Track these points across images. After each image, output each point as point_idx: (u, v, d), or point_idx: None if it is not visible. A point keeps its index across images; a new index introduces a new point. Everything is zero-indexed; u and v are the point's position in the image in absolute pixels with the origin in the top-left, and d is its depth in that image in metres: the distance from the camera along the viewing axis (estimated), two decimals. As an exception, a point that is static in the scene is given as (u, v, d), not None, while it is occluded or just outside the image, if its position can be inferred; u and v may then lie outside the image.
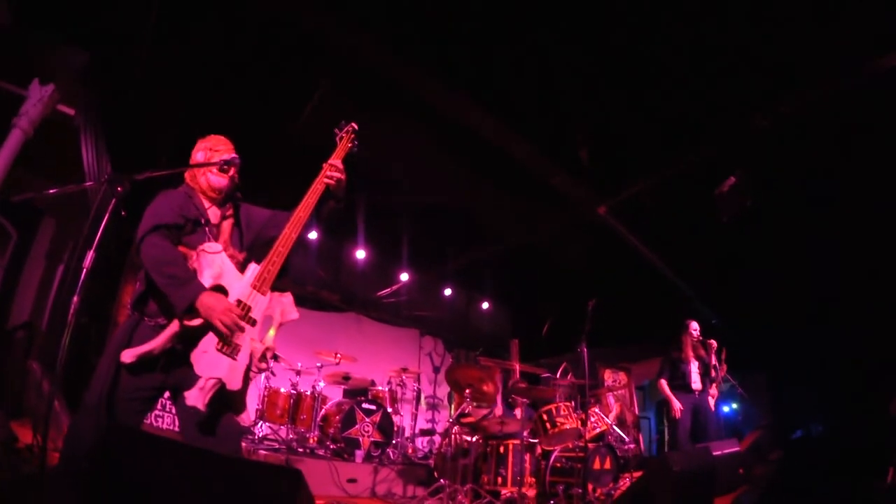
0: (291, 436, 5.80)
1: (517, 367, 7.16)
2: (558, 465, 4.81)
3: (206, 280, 2.23)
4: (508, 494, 4.78)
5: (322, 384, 6.16)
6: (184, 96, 4.86)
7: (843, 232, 6.88)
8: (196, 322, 2.16)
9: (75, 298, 2.22)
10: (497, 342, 9.57)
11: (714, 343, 6.06)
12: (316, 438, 5.71)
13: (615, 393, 8.11)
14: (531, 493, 4.87)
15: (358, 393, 6.49)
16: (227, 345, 2.18)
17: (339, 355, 6.24)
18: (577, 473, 4.62)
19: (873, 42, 4.41)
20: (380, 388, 6.52)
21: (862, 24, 4.32)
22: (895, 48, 4.38)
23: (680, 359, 6.00)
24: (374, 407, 5.73)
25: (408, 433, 6.95)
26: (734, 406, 10.22)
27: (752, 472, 5.34)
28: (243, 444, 5.30)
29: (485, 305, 9.86)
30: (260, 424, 6.03)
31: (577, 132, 5.59)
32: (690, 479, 3.64)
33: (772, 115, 5.18)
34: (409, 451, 6.40)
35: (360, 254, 8.09)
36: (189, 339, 2.18)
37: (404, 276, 8.56)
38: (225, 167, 2.49)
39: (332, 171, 2.63)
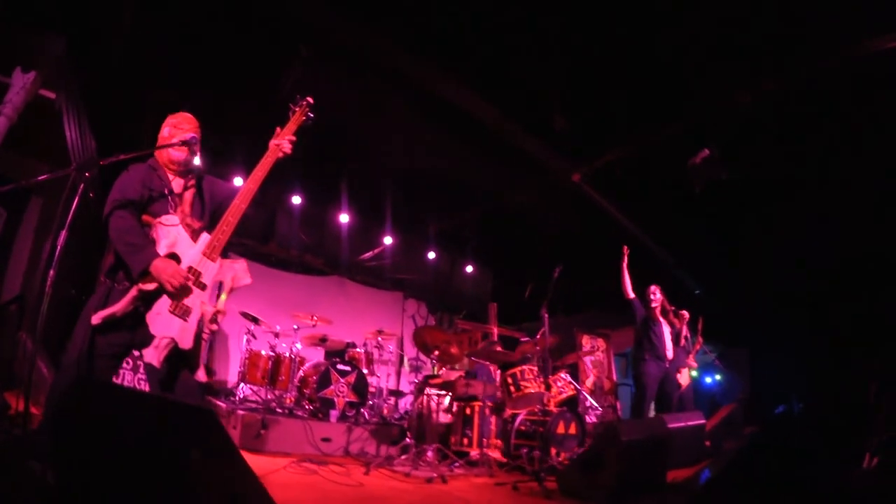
0: (270, 396, 6.15)
1: (495, 330, 7.48)
2: (523, 428, 5.09)
3: (162, 249, 2.50)
4: (474, 455, 5.07)
5: (299, 346, 6.50)
6: (163, 69, 5.06)
7: (830, 210, 7.08)
8: (151, 286, 2.43)
9: (52, 272, 2.48)
10: (481, 305, 9.89)
11: (686, 314, 6.26)
12: (293, 399, 6.06)
13: (593, 359, 8.44)
14: (496, 454, 5.18)
15: (336, 354, 6.83)
16: (178, 306, 2.45)
17: (315, 318, 6.55)
18: (541, 437, 4.89)
19: (859, 24, 4.55)
20: (357, 349, 6.83)
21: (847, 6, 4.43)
22: (881, 31, 4.54)
23: (652, 320, 6.17)
24: (349, 368, 6.04)
25: (386, 394, 7.30)
26: (716, 378, 10.62)
27: (719, 445, 5.58)
28: (223, 405, 5.71)
29: (468, 269, 10.12)
30: (241, 386, 6.38)
31: (551, 99, 5.73)
32: (640, 448, 3.82)
33: (755, 91, 5.32)
34: (385, 411, 6.74)
35: (344, 218, 8.33)
36: (147, 301, 2.45)
37: (388, 240, 8.80)
38: (186, 143, 2.72)
39: (285, 143, 2.85)
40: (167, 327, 2.44)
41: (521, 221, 8.63)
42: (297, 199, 7.96)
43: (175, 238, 2.53)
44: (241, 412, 5.23)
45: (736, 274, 8.71)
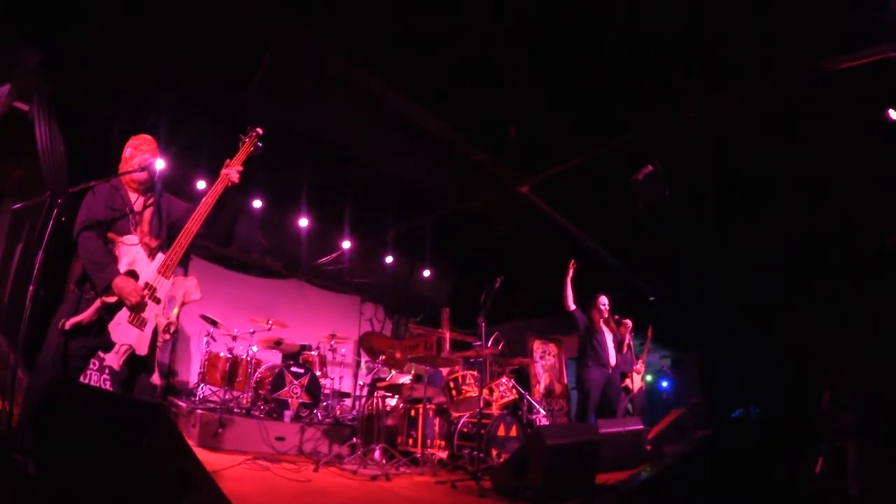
0: (228, 396, 6.56)
1: (447, 334, 7.97)
2: (465, 430, 5.57)
3: (123, 266, 2.95)
4: (419, 455, 5.51)
5: (255, 349, 6.92)
6: (134, 79, 5.44)
7: (786, 217, 7.64)
8: (112, 299, 2.88)
9: (31, 287, 2.90)
10: (438, 309, 10.28)
11: (629, 322, 6.78)
12: (250, 399, 6.47)
13: (544, 363, 9.00)
14: (440, 454, 5.66)
15: (293, 357, 7.26)
16: (136, 318, 2.89)
17: (270, 321, 6.98)
18: (481, 439, 5.30)
19: (810, 42, 4.88)
20: (312, 352, 7.28)
21: (797, 23, 4.76)
22: (834, 50, 4.88)
23: (594, 329, 6.65)
24: (302, 370, 6.48)
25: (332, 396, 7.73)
26: (666, 383, 11.27)
27: (660, 450, 6.03)
28: (183, 404, 6.12)
29: (426, 273, 10.53)
30: (201, 386, 6.77)
31: (502, 112, 6.12)
32: (565, 452, 4.17)
33: (702, 109, 5.65)
34: (339, 412, 7.19)
35: (303, 222, 8.70)
36: (110, 312, 2.89)
37: (346, 244, 9.22)
38: (141, 170, 3.16)
39: (233, 173, 3.30)
40: (126, 335, 2.88)
41: (478, 227, 9.03)
42: (257, 203, 8.32)
43: (134, 257, 2.97)
44: (199, 412, 5.65)
45: (691, 280, 9.27)
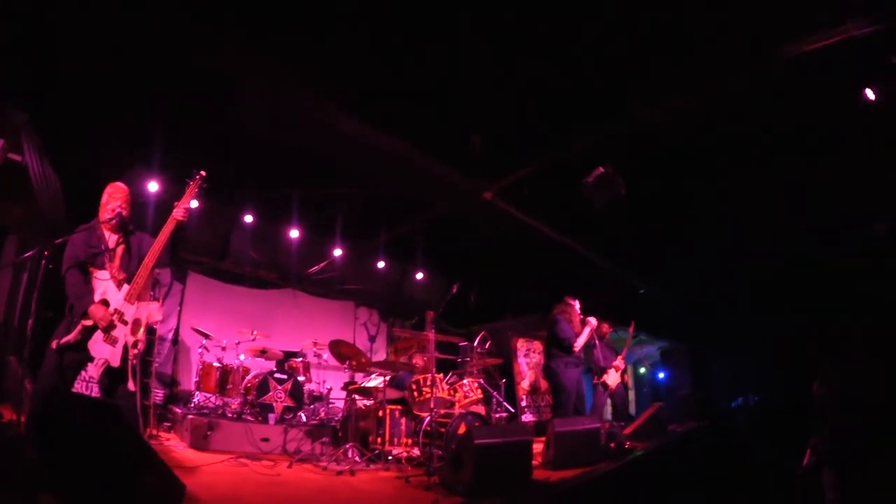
0: (220, 402, 7.62)
1: (432, 336, 8.86)
2: (429, 429, 6.40)
3: (97, 296, 3.99)
4: (383, 451, 6.40)
5: (243, 357, 7.99)
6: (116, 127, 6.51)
7: (775, 208, 8.24)
8: (89, 322, 3.90)
9: (31, 321, 3.94)
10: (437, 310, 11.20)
11: (592, 321, 7.56)
12: (238, 404, 7.52)
13: (529, 361, 9.88)
14: (405, 452, 6.56)
15: (281, 364, 8.32)
16: (108, 337, 3.91)
17: (255, 332, 8.04)
18: (442, 437, 6.16)
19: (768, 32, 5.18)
20: (298, 359, 8.34)
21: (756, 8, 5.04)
22: (789, 37, 5.16)
23: (574, 333, 7.45)
24: (285, 376, 7.51)
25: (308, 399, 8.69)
26: (663, 374, 12.00)
27: (622, 447, 6.64)
28: (179, 410, 7.18)
29: (419, 276, 11.43)
30: (197, 394, 7.84)
31: (461, 120, 6.84)
32: (494, 451, 4.82)
33: (659, 107, 6.13)
34: (323, 413, 8.19)
35: (294, 233, 9.70)
36: (89, 333, 3.91)
37: (337, 252, 10.20)
38: (110, 219, 4.17)
39: (182, 213, 4.27)
40: (101, 351, 3.90)
41: (464, 231, 9.83)
42: (249, 218, 9.36)
43: (105, 289, 4.01)
44: (190, 417, 6.69)
45: (681, 271, 9.94)
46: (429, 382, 6.58)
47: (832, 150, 6.73)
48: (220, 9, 5.51)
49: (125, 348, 3.98)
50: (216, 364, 7.95)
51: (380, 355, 11.22)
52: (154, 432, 6.54)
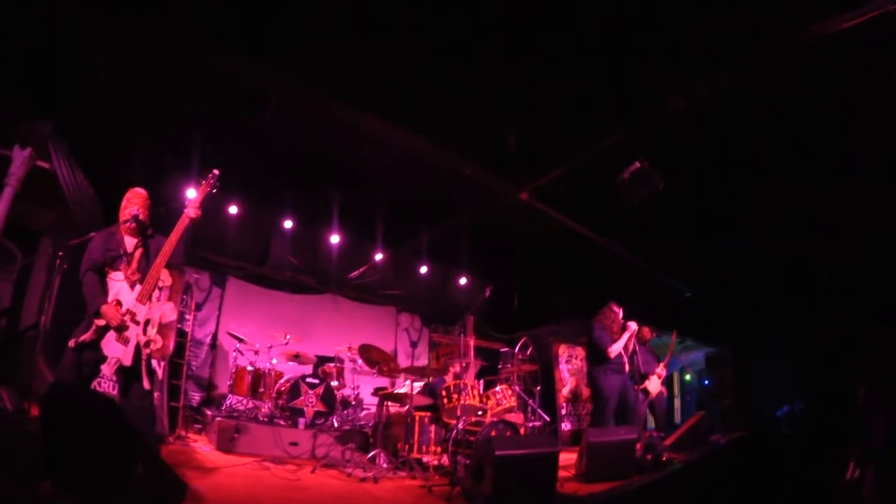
0: (251, 406, 7.81)
1: (472, 342, 8.88)
2: (458, 437, 6.39)
3: (111, 297, 4.14)
4: (408, 459, 6.40)
5: (275, 361, 8.15)
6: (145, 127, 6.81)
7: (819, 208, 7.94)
8: (103, 322, 4.05)
9: (43, 318, 4.14)
10: (478, 316, 11.09)
11: (631, 325, 7.35)
12: (269, 408, 7.67)
13: (570, 367, 9.72)
14: (434, 460, 6.57)
15: (315, 368, 8.49)
16: (121, 336, 4.06)
17: (287, 336, 8.19)
18: (472, 445, 6.04)
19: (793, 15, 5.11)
20: (331, 364, 8.47)
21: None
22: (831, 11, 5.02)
23: (611, 339, 7.32)
24: (317, 381, 7.65)
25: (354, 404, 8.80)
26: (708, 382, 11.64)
27: (660, 459, 6.45)
28: (210, 413, 7.39)
29: (462, 280, 11.48)
30: (229, 397, 8.06)
31: (493, 121, 6.87)
32: (515, 462, 4.74)
33: (687, 95, 6.01)
34: (356, 419, 8.26)
35: (335, 238, 9.90)
36: (103, 333, 4.07)
37: (378, 257, 10.34)
38: (126, 222, 4.34)
39: (192, 211, 4.41)
40: (114, 350, 4.05)
41: (507, 234, 9.81)
42: (288, 224, 9.60)
43: (118, 290, 4.16)
44: (218, 419, 6.87)
45: (723, 275, 9.65)
46: (459, 389, 6.55)
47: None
48: (254, 17, 5.76)
49: (137, 347, 4.12)
50: (249, 368, 8.14)
51: (421, 361, 11.31)
52: (183, 433, 6.74)
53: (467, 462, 5.91)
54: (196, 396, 8.71)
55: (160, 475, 3.46)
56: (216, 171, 4.66)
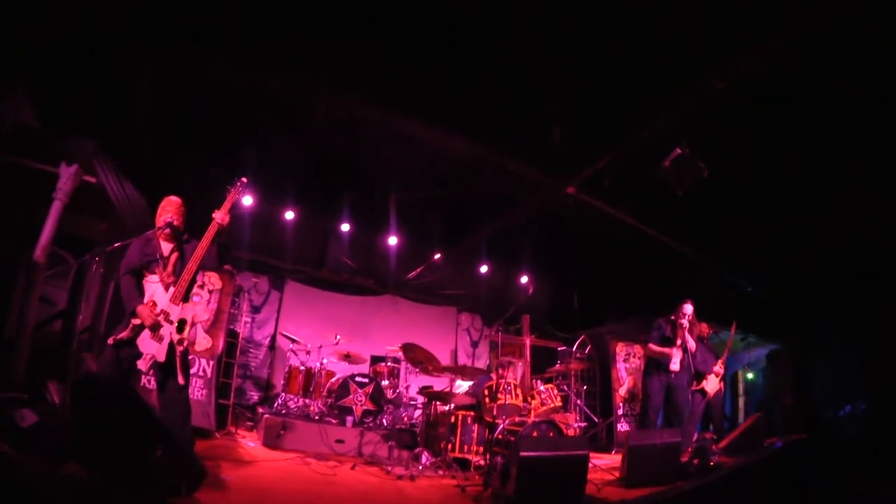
0: (301, 404, 8.22)
1: (528, 341, 9.00)
2: (500, 436, 6.54)
3: (146, 298, 4.56)
4: (446, 457, 6.59)
5: (325, 360, 8.54)
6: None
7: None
8: (138, 321, 4.48)
9: (80, 317, 4.60)
10: (538, 315, 11.19)
11: (683, 323, 7.17)
12: (318, 406, 8.06)
13: (628, 366, 9.65)
14: (475, 459, 6.77)
15: (372, 366, 8.93)
16: (155, 335, 4.47)
17: (338, 336, 8.57)
18: (509, 445, 6.18)
19: None
20: (382, 364, 8.84)
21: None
22: None
23: (672, 338, 7.26)
24: (366, 380, 7.99)
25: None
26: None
27: (707, 463, 6.26)
28: (261, 410, 7.85)
29: (523, 279, 11.45)
30: (282, 395, 8.50)
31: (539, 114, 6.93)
32: (540, 464, 4.77)
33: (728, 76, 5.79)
34: (406, 418, 8.51)
35: (392, 240, 10.20)
36: (139, 331, 4.50)
37: (436, 256, 10.61)
38: (160, 228, 4.77)
39: (223, 217, 4.77)
40: (149, 347, 4.47)
41: (565, 231, 9.76)
42: (345, 227, 10.00)
43: (154, 291, 4.58)
44: (266, 416, 7.28)
45: (785, 269, 9.31)
46: (504, 388, 6.70)
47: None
48: (303, 28, 6.11)
49: (171, 345, 4.52)
50: (301, 367, 8.56)
51: (482, 361, 11.52)
52: (233, 430, 7.20)
53: (498, 460, 6.08)
54: (254, 396, 9.24)
55: (179, 460, 3.81)
56: (244, 179, 5.00)
